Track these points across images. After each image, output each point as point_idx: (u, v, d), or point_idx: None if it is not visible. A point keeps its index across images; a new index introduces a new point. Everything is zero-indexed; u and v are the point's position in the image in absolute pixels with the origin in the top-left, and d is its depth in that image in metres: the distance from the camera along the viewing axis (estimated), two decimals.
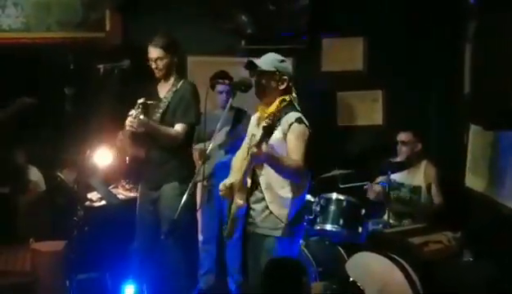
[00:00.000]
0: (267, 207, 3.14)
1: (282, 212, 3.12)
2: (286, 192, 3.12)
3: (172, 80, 3.86)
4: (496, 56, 3.25)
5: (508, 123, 3.30)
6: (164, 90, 3.87)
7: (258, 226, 3.17)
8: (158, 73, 3.82)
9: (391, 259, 3.43)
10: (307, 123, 3.15)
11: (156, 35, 3.81)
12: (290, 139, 3.08)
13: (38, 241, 4.41)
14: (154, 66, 3.80)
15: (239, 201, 3.12)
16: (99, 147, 4.11)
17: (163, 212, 3.80)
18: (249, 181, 3.16)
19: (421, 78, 5.01)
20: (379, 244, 3.81)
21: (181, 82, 3.87)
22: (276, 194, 3.12)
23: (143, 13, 5.01)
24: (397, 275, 3.34)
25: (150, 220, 3.87)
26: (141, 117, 3.56)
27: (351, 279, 3.51)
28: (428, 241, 3.70)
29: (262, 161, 3.03)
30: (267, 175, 3.12)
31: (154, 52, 3.77)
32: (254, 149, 2.90)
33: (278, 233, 3.12)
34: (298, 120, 3.10)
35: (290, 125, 3.09)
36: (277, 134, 3.08)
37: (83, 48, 4.87)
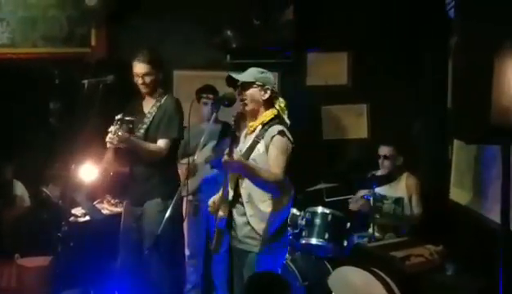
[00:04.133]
0: (248, 222, 3.11)
1: (261, 227, 3.08)
2: (266, 206, 3.09)
3: (156, 95, 3.85)
4: (476, 70, 3.27)
5: (489, 138, 3.32)
6: (149, 105, 3.86)
7: (240, 241, 3.15)
8: (145, 89, 3.80)
9: (372, 273, 3.44)
10: (290, 137, 3.13)
11: (141, 50, 3.78)
12: (271, 151, 3.06)
13: (23, 257, 4.38)
14: (140, 82, 3.77)
15: (220, 212, 3.12)
16: (84, 162, 4.09)
17: (146, 228, 3.77)
18: (230, 193, 3.15)
19: (406, 92, 5.04)
20: (363, 258, 3.81)
21: (164, 98, 3.85)
22: (256, 208, 3.09)
23: (128, 28, 5.02)
24: (379, 289, 3.35)
25: (133, 237, 3.83)
26: (120, 133, 3.51)
27: None
28: (411, 254, 3.71)
29: (236, 169, 3.02)
30: (249, 188, 3.10)
31: (141, 68, 3.74)
32: (226, 157, 2.91)
33: (258, 249, 3.08)
34: (281, 133, 3.09)
35: (272, 137, 3.07)
36: (260, 148, 3.10)
37: (68, 63, 4.88)
